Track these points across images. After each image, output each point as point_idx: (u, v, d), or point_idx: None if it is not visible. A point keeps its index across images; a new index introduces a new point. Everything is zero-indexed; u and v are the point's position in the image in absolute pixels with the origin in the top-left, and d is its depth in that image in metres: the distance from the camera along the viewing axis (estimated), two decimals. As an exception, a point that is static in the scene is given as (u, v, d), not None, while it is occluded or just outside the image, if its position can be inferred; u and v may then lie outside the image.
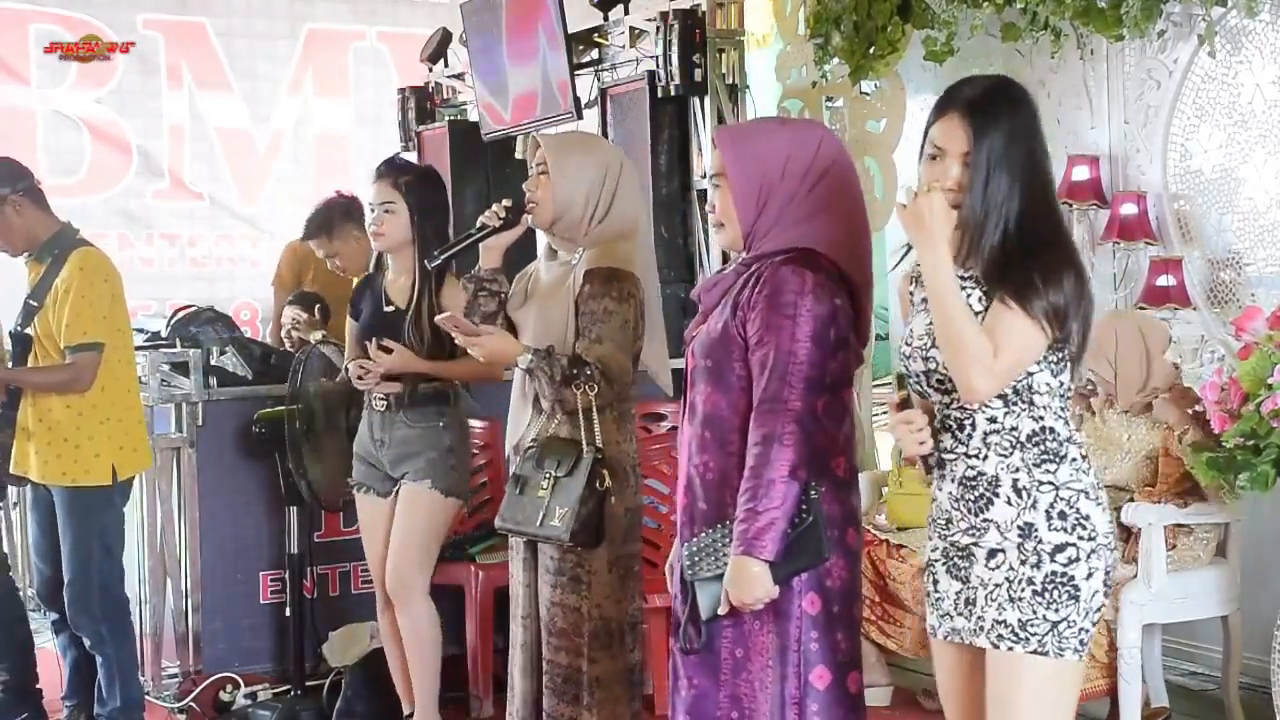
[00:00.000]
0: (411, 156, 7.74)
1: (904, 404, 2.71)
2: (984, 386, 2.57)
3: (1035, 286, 2.55)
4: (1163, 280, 5.04)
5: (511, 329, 3.71)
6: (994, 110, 2.61)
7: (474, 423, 5.23)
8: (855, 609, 2.98)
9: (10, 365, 4.58)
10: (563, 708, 3.59)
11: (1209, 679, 4.96)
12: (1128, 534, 4.41)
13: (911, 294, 2.81)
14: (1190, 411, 4.23)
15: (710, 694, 2.94)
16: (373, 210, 4.43)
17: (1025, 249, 2.58)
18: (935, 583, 2.74)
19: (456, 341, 3.70)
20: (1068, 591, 2.58)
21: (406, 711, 4.57)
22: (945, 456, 2.71)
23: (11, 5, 8.09)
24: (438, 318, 3.81)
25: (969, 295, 2.63)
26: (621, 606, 3.59)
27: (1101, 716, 4.56)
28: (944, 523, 2.72)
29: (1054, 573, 2.58)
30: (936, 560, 2.74)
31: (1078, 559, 2.58)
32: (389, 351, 4.30)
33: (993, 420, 2.63)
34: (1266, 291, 4.86)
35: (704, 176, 6.09)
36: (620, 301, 3.52)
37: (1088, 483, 2.62)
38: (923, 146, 2.68)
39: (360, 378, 4.37)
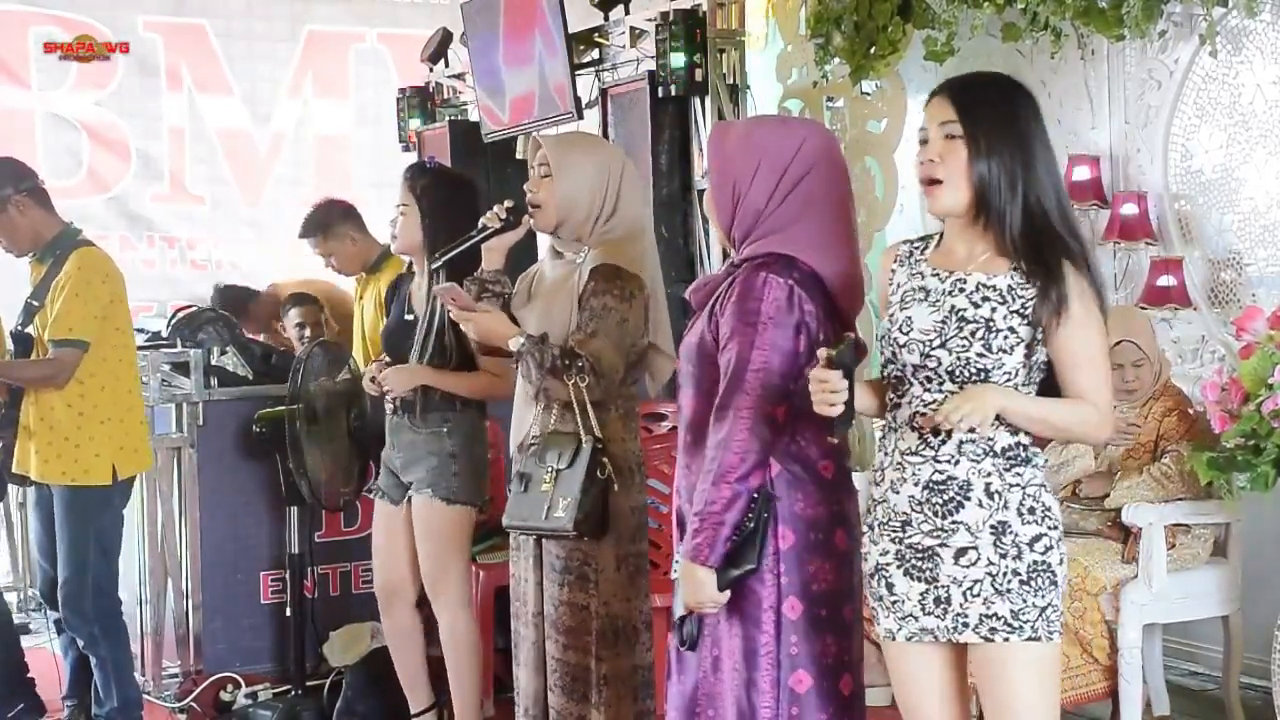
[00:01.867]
0: (411, 157, 7.76)
1: (834, 361, 2.61)
2: (1106, 435, 2.77)
3: (1088, 290, 2.62)
4: (1163, 280, 5.04)
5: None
6: (979, 84, 2.71)
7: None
8: (848, 610, 2.95)
9: None
10: (571, 706, 3.58)
11: (1209, 679, 4.96)
12: (1127, 534, 4.41)
13: (893, 273, 2.79)
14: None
15: (691, 692, 2.96)
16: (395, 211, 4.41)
17: (1054, 234, 2.62)
18: (890, 586, 2.73)
19: (451, 316, 3.68)
20: (1048, 578, 2.65)
21: (414, 710, 4.56)
22: (908, 460, 2.70)
23: (11, 7, 8.09)
24: (436, 288, 3.78)
25: (994, 310, 2.62)
26: (631, 605, 3.58)
27: (1103, 717, 4.55)
28: (899, 525, 2.71)
29: (1035, 562, 2.64)
30: (889, 564, 2.72)
31: (1052, 546, 2.66)
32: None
33: (972, 430, 2.61)
34: (1267, 291, 4.86)
35: (704, 176, 6.10)
36: (622, 300, 3.51)
37: (1042, 476, 2.71)
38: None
39: (373, 380, 4.37)
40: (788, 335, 2.81)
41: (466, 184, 4.55)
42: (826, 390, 2.59)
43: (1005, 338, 2.61)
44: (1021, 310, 2.61)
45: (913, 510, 2.69)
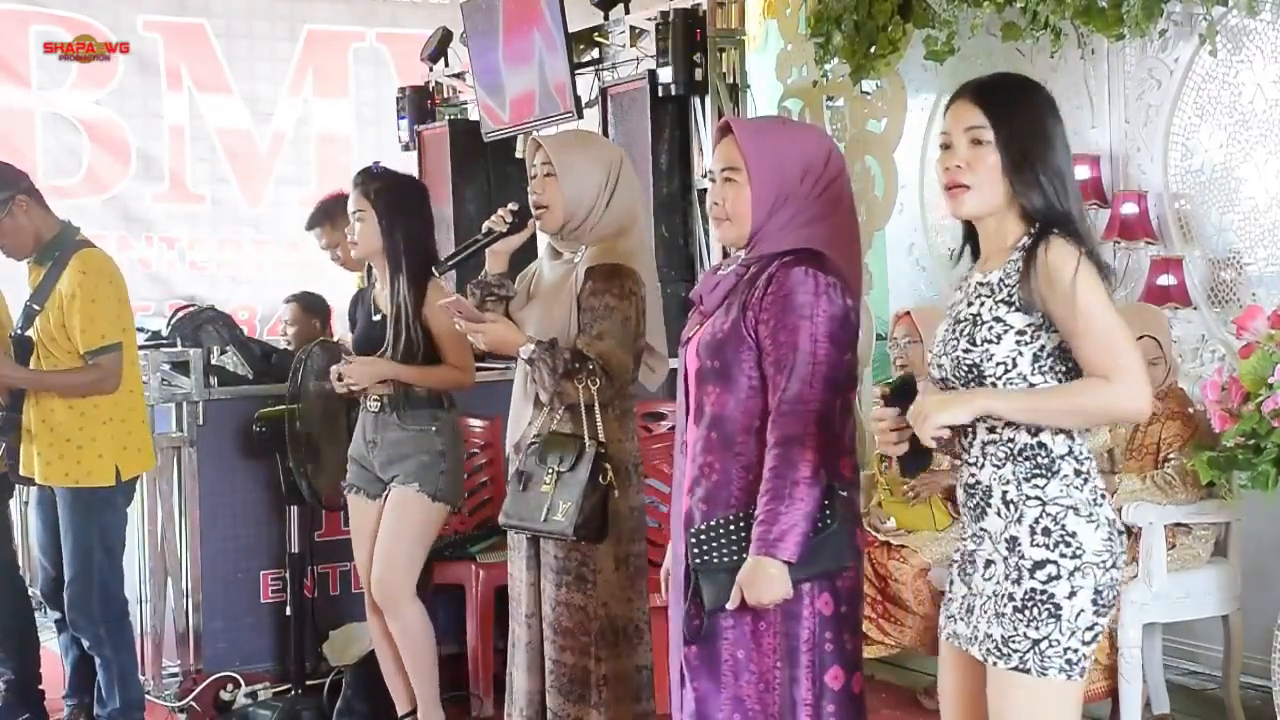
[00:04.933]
0: (412, 156, 7.76)
1: (890, 397, 2.63)
2: (1138, 407, 2.47)
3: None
4: (1163, 279, 5.04)
5: (515, 328, 3.70)
6: (1005, 87, 2.65)
7: (474, 422, 5.24)
8: (861, 608, 2.99)
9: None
10: (569, 707, 3.57)
11: (1210, 679, 4.96)
12: (1128, 533, 4.41)
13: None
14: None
15: (711, 696, 2.92)
16: (350, 219, 4.44)
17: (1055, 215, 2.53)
18: (951, 583, 2.71)
19: (458, 328, 3.69)
20: (1047, 610, 2.49)
21: (402, 712, 4.56)
22: (957, 461, 2.67)
23: (12, 6, 8.08)
24: (440, 302, 3.81)
25: (982, 304, 2.56)
26: (631, 605, 3.59)
27: (1103, 717, 4.55)
28: (962, 526, 2.70)
29: (1032, 590, 2.50)
30: (955, 561, 2.71)
31: (1058, 577, 2.49)
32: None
33: (992, 430, 2.57)
34: (1267, 290, 4.86)
35: (704, 175, 6.09)
36: (622, 298, 3.52)
37: (1080, 498, 2.52)
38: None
39: (340, 380, 4.39)
40: (839, 327, 2.84)
41: (416, 184, 4.67)
42: (887, 429, 2.59)
43: (990, 328, 2.53)
44: (1008, 299, 2.53)
45: (963, 512, 2.68)
